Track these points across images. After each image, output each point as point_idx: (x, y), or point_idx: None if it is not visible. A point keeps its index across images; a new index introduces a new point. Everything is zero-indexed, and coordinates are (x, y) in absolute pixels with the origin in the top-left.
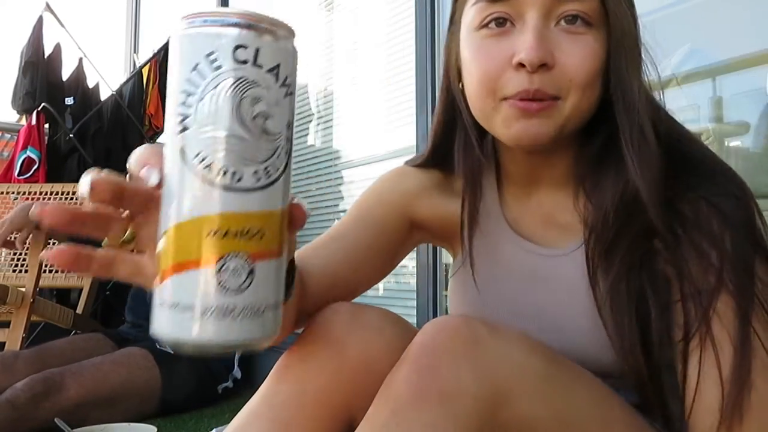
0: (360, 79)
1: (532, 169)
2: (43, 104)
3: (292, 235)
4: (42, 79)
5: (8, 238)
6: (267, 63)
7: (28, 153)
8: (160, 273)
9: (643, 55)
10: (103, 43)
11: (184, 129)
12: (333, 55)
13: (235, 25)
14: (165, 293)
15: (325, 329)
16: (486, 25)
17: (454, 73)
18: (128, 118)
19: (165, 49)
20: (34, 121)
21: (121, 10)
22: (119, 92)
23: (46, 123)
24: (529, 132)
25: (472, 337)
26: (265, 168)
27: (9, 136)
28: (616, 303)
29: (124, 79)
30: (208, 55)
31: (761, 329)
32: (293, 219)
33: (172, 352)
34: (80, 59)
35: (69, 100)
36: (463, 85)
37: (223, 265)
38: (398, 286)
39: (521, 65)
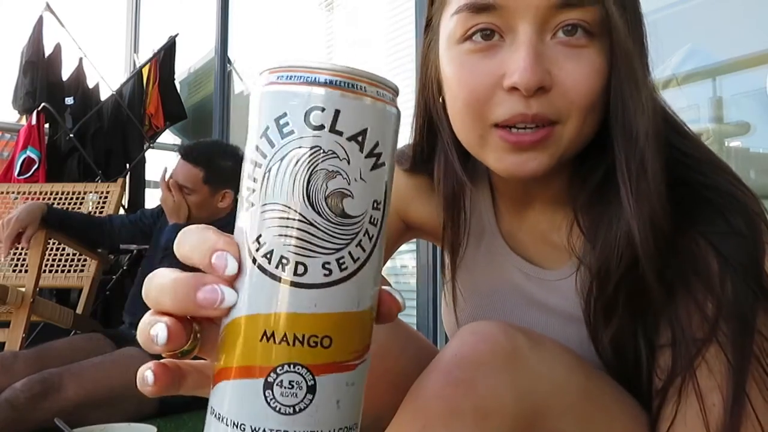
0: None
1: (525, 189)
2: (43, 104)
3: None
4: (42, 79)
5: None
6: (349, 129)
7: (28, 153)
8: (213, 376)
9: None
10: (103, 43)
11: (251, 205)
12: (333, 55)
13: (313, 82)
14: (214, 402)
15: None
16: (470, 38)
17: (433, 87)
18: (128, 118)
19: (165, 49)
20: (34, 121)
21: (121, 10)
22: (119, 92)
23: (46, 123)
24: (525, 167)
25: (512, 348)
26: (339, 259)
27: (9, 136)
28: (619, 349)
29: (124, 79)
30: (279, 118)
31: (756, 391)
32: (381, 315)
33: None
34: (80, 59)
35: (69, 100)
36: (444, 101)
37: (276, 379)
38: (398, 287)
39: (514, 89)
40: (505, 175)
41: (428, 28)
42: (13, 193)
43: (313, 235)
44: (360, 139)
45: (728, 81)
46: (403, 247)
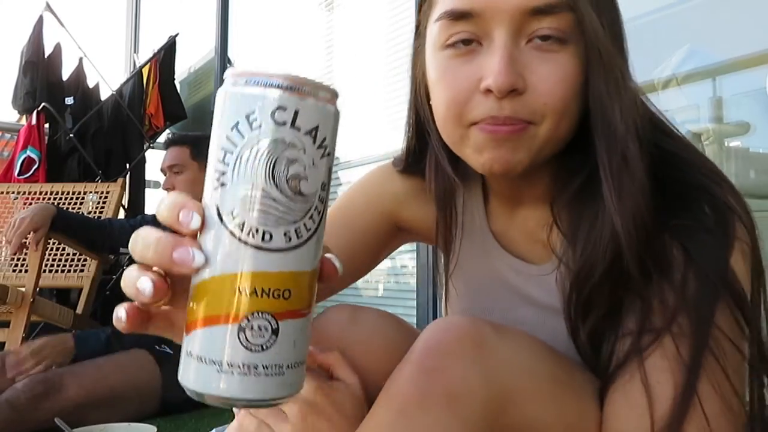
0: (360, 79)
1: (512, 188)
2: (43, 104)
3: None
4: (42, 79)
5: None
6: (305, 125)
7: (28, 153)
8: (188, 324)
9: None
10: (103, 43)
11: (222, 185)
12: (333, 55)
13: (277, 86)
14: (192, 345)
15: (324, 330)
16: (451, 45)
17: (422, 91)
18: (128, 118)
19: (165, 49)
20: (34, 121)
21: (121, 10)
22: (119, 92)
23: (46, 123)
24: (501, 160)
25: (479, 337)
26: (296, 229)
27: (9, 136)
28: (596, 343)
29: (124, 79)
30: (248, 115)
31: (707, 385)
32: (323, 276)
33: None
34: (80, 59)
35: (69, 100)
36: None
37: (248, 324)
38: (398, 286)
39: (489, 91)
40: (484, 171)
41: (417, 33)
42: (13, 193)
43: (276, 209)
44: (313, 133)
45: (728, 81)
46: (403, 247)
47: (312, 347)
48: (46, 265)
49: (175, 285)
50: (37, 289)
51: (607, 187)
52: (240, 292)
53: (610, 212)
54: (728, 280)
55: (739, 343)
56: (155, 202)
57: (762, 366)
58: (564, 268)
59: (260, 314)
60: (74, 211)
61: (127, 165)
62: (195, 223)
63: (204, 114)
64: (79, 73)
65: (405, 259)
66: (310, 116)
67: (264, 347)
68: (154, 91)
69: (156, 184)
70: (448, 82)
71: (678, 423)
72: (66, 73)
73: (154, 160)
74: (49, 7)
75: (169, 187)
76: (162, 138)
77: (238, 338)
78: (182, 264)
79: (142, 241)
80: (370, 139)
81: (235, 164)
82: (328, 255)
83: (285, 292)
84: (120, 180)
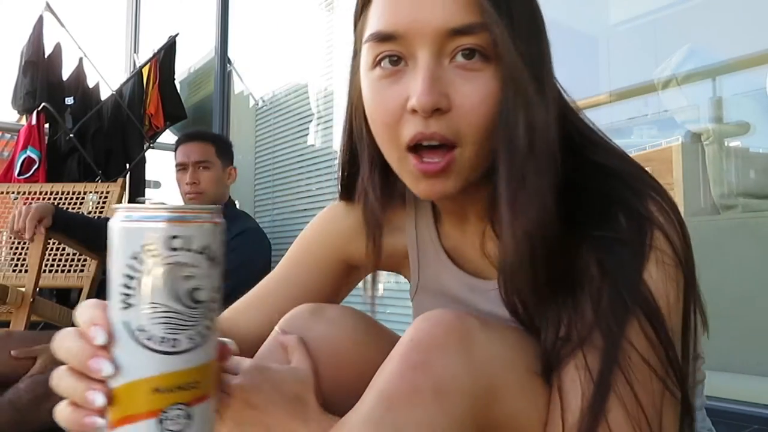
0: None
1: (457, 206)
2: (43, 104)
3: (223, 365)
4: (42, 79)
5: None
6: (197, 246)
7: (28, 153)
8: (111, 419)
9: (555, 83)
10: (103, 43)
11: (128, 306)
12: (333, 55)
13: (168, 220)
14: None
15: (288, 326)
16: (379, 64)
17: (358, 112)
18: (128, 118)
19: (165, 49)
20: (34, 121)
21: (121, 10)
22: (119, 92)
23: (46, 123)
24: (435, 190)
25: (465, 331)
26: (198, 331)
27: (9, 136)
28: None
29: (124, 79)
30: (145, 245)
31: (616, 403)
32: (223, 358)
33: None
34: (80, 59)
35: (69, 100)
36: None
37: (166, 415)
38: (398, 286)
39: (415, 111)
40: (422, 197)
41: (354, 54)
42: (13, 193)
43: (179, 319)
44: (206, 251)
45: (728, 81)
46: None
47: (277, 329)
48: (46, 265)
49: None
50: (37, 289)
51: (502, 203)
52: (157, 390)
53: (505, 230)
54: (640, 294)
55: (649, 357)
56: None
57: (675, 381)
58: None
59: (176, 406)
60: (74, 211)
61: (127, 165)
62: (100, 340)
63: (204, 114)
64: (79, 73)
65: None
66: (200, 238)
67: (181, 431)
68: (154, 91)
69: (156, 184)
70: (379, 103)
71: None
72: (66, 73)
73: (154, 160)
74: (49, 7)
75: (194, 181)
76: (164, 137)
77: (160, 428)
78: (95, 372)
79: (66, 349)
80: None
81: (139, 288)
82: (221, 340)
83: (194, 383)
84: (120, 180)
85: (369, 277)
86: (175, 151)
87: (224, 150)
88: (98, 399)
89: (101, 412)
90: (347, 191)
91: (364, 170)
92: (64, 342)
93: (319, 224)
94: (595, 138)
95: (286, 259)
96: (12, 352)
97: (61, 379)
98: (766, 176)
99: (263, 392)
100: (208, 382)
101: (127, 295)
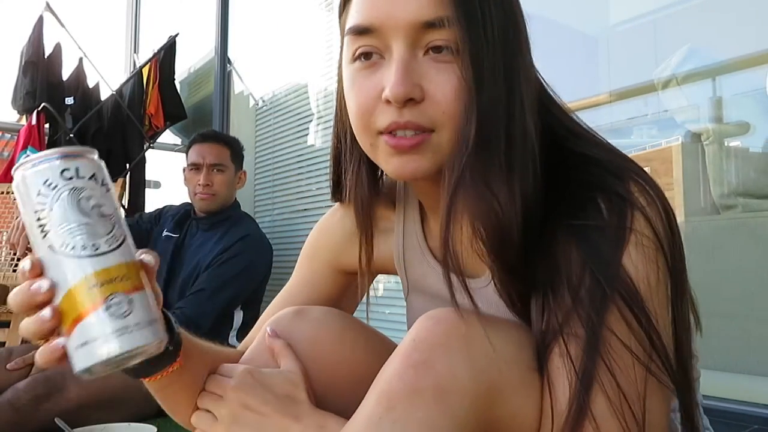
0: None
1: (440, 200)
2: (43, 104)
3: (152, 279)
4: (42, 79)
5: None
6: (86, 174)
7: (28, 153)
8: (66, 328)
9: (540, 80)
10: (103, 43)
11: (47, 233)
12: (333, 55)
13: (57, 158)
14: (75, 340)
15: (274, 328)
16: (358, 58)
17: (344, 103)
18: (128, 118)
19: (165, 49)
20: (34, 121)
21: (121, 10)
22: (119, 92)
23: (46, 123)
24: (407, 168)
25: (467, 330)
26: (113, 236)
27: (9, 136)
28: None
29: (124, 79)
30: (45, 182)
31: (599, 391)
32: (146, 267)
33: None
34: (80, 59)
35: (69, 100)
36: None
37: (110, 303)
38: (398, 287)
39: (389, 101)
40: (393, 177)
41: (341, 48)
42: (13, 193)
43: (93, 228)
44: (94, 178)
45: (728, 81)
46: None
47: (268, 328)
48: None
49: None
50: None
51: (442, 196)
52: (94, 286)
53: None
54: (619, 280)
55: (630, 343)
56: (155, 202)
57: (660, 365)
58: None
59: (116, 294)
60: None
61: (127, 165)
62: (45, 286)
63: (204, 114)
64: (79, 73)
65: None
66: (86, 168)
67: (126, 313)
68: (154, 91)
69: (156, 184)
70: (356, 93)
71: (570, 428)
72: (66, 73)
73: (154, 160)
74: (49, 7)
75: (208, 183)
76: (164, 137)
77: (108, 314)
78: (36, 294)
79: (12, 299)
80: None
81: (50, 215)
82: (140, 254)
83: (124, 276)
84: (120, 180)
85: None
86: (188, 149)
87: (238, 154)
88: (46, 313)
89: (54, 327)
90: (338, 189)
91: (352, 165)
92: (12, 300)
93: (316, 236)
94: (578, 130)
95: (295, 272)
96: (7, 366)
97: (21, 323)
98: (766, 176)
99: (257, 393)
100: (138, 277)
101: (43, 224)
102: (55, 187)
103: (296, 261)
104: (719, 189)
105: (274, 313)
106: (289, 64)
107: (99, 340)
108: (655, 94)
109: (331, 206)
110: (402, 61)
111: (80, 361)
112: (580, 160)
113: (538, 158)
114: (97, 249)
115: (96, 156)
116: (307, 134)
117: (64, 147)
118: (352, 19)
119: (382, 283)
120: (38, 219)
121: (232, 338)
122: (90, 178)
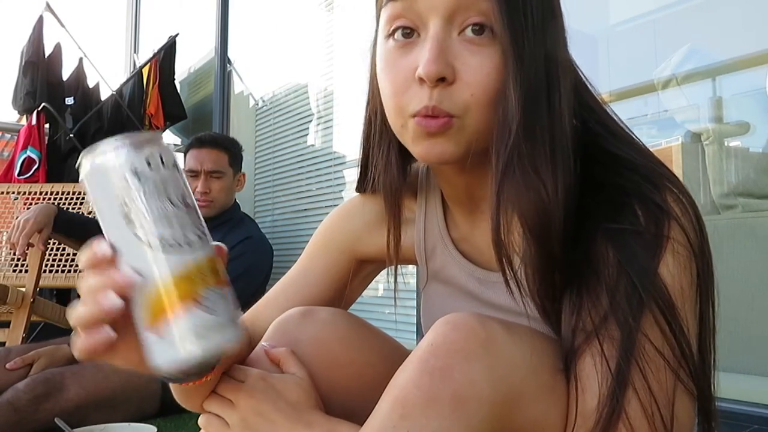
0: (360, 79)
1: (467, 189)
2: (43, 104)
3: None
4: (42, 79)
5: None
6: (169, 162)
7: (29, 153)
8: (149, 322)
9: (579, 74)
10: (103, 43)
11: (132, 222)
12: (333, 55)
13: (142, 145)
14: (160, 335)
15: (279, 329)
16: (392, 35)
17: (376, 86)
18: (128, 118)
19: (165, 49)
20: (34, 121)
21: (121, 10)
22: (119, 92)
23: (46, 123)
24: (434, 151)
25: (486, 336)
26: (199, 227)
27: (9, 136)
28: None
29: (124, 79)
30: (131, 169)
31: (632, 394)
32: (222, 256)
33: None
34: (80, 59)
35: (69, 100)
36: None
37: (204, 298)
38: (398, 287)
39: (422, 79)
40: (421, 160)
41: (377, 28)
42: (13, 193)
43: (182, 218)
44: (176, 165)
45: (728, 81)
46: None
47: (264, 343)
48: (46, 265)
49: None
50: (37, 289)
51: (491, 190)
52: (194, 278)
53: (491, 219)
54: (655, 287)
55: (662, 349)
56: None
57: (688, 372)
58: (521, 265)
59: (210, 287)
60: (74, 211)
61: None
62: (117, 304)
63: (204, 114)
64: (79, 73)
65: None
66: (169, 156)
67: (216, 310)
68: (154, 91)
69: None
70: (390, 72)
71: (602, 428)
72: (66, 73)
73: None
74: (49, 7)
75: (206, 191)
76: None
77: (202, 309)
78: (114, 278)
79: (85, 278)
80: None
81: (136, 204)
82: (216, 243)
83: (214, 270)
84: None
85: (390, 269)
86: (185, 153)
87: (237, 157)
88: (117, 301)
89: (118, 316)
90: (364, 178)
91: (382, 149)
92: (84, 283)
93: (333, 221)
94: (614, 128)
95: (304, 254)
96: (7, 365)
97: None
98: (766, 176)
99: (269, 400)
100: (223, 271)
101: (127, 213)
102: (143, 175)
103: (297, 261)
104: (719, 189)
105: (285, 292)
106: (289, 64)
107: (188, 337)
108: (655, 94)
109: (332, 206)
110: (437, 39)
111: (163, 358)
112: (614, 160)
113: (572, 154)
114: (187, 241)
115: (164, 141)
116: (307, 134)
117: (143, 133)
118: None
119: (381, 283)
120: (124, 206)
121: None
122: (173, 166)
